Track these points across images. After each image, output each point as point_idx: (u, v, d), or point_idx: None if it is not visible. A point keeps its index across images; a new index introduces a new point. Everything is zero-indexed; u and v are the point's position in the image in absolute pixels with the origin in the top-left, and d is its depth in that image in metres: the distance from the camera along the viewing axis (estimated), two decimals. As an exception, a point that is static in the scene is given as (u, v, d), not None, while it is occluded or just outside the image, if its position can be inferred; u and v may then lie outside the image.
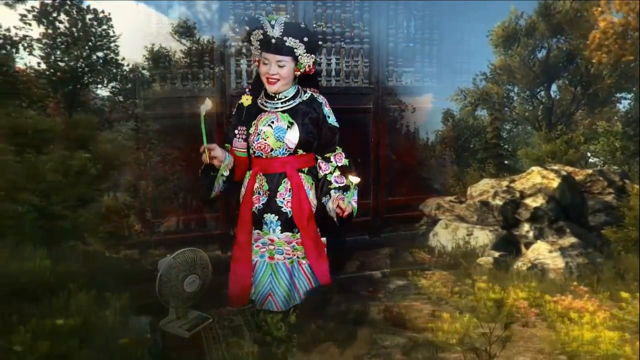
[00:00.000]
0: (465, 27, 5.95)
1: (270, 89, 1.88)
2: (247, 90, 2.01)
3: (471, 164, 7.05)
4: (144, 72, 4.76)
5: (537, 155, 7.31)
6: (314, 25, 4.71)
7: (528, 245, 4.13)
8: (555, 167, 4.57)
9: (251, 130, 1.89)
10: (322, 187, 1.95)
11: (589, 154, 7.83)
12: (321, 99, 2.00)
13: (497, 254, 3.75)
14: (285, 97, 1.91)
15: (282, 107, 1.89)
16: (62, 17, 4.60)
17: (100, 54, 4.71)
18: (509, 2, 7.76)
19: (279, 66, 1.82)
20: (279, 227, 1.88)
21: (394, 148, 5.16)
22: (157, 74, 4.73)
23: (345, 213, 1.78)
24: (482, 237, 4.13)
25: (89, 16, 4.70)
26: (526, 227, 4.18)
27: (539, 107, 7.53)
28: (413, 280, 3.04)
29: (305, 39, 1.83)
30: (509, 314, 2.05)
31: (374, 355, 1.98)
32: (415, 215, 5.10)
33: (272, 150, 1.86)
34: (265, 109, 1.91)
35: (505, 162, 7.24)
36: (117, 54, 4.74)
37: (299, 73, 1.92)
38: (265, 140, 1.86)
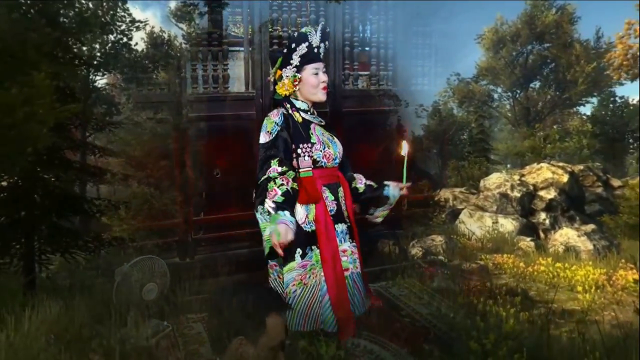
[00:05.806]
0: (422, 30, 5.74)
1: (325, 97, 1.86)
2: (279, 110, 1.84)
3: (455, 157, 7.79)
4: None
5: (517, 150, 8.22)
6: (270, 29, 4.62)
7: (545, 231, 4.83)
8: (561, 164, 5.31)
9: (313, 140, 1.81)
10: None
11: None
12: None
13: (528, 239, 4.39)
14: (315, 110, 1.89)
15: (318, 122, 1.87)
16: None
17: (112, 37, 4.66)
18: (471, 2, 8.29)
19: (324, 72, 1.83)
20: (348, 235, 1.85)
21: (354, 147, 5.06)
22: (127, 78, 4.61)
23: (405, 189, 1.85)
24: (507, 224, 4.76)
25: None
26: (542, 215, 4.87)
27: (517, 106, 8.42)
28: (485, 262, 3.56)
29: (327, 42, 1.86)
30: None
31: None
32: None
33: (334, 159, 1.85)
34: (313, 120, 1.86)
35: (489, 155, 8.04)
36: (130, 39, 4.71)
37: None
38: (328, 148, 1.84)
